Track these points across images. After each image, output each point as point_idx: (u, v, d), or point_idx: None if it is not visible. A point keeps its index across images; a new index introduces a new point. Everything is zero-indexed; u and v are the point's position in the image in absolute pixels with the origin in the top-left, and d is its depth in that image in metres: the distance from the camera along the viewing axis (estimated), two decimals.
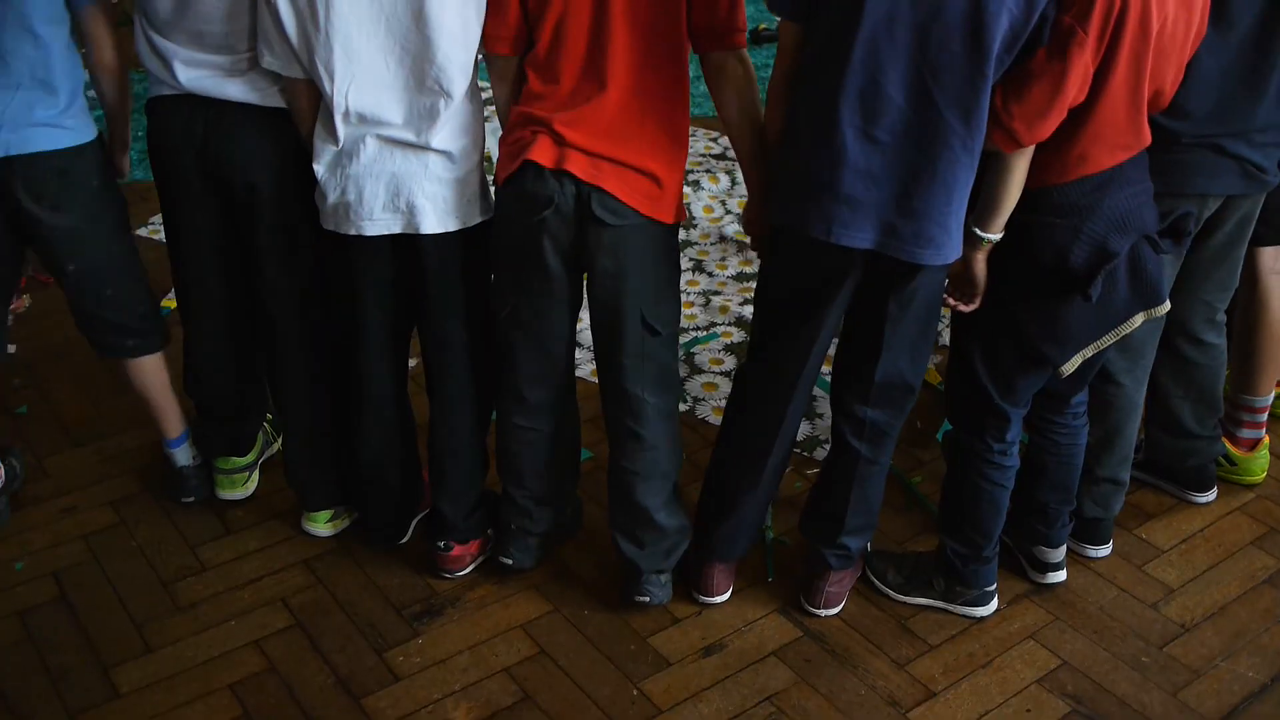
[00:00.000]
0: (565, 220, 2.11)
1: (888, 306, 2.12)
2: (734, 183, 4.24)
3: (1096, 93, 1.97)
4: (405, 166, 2.17)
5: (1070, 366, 2.16)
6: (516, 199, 2.14)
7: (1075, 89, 1.93)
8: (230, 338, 2.62)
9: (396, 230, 2.20)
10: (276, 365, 2.55)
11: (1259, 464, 2.83)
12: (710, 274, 3.73)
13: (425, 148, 2.16)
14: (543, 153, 2.08)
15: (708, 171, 4.34)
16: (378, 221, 2.20)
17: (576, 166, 2.07)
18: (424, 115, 2.14)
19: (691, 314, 3.53)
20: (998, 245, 2.12)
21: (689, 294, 3.61)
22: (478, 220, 2.25)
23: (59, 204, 2.39)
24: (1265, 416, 2.82)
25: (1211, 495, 2.80)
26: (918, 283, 2.09)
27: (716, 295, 3.62)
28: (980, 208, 2.07)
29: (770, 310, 2.24)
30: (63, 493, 2.81)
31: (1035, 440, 2.44)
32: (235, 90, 2.27)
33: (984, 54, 1.87)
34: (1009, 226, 2.10)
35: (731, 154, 4.34)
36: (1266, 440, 2.84)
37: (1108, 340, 2.16)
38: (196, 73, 2.27)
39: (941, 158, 1.95)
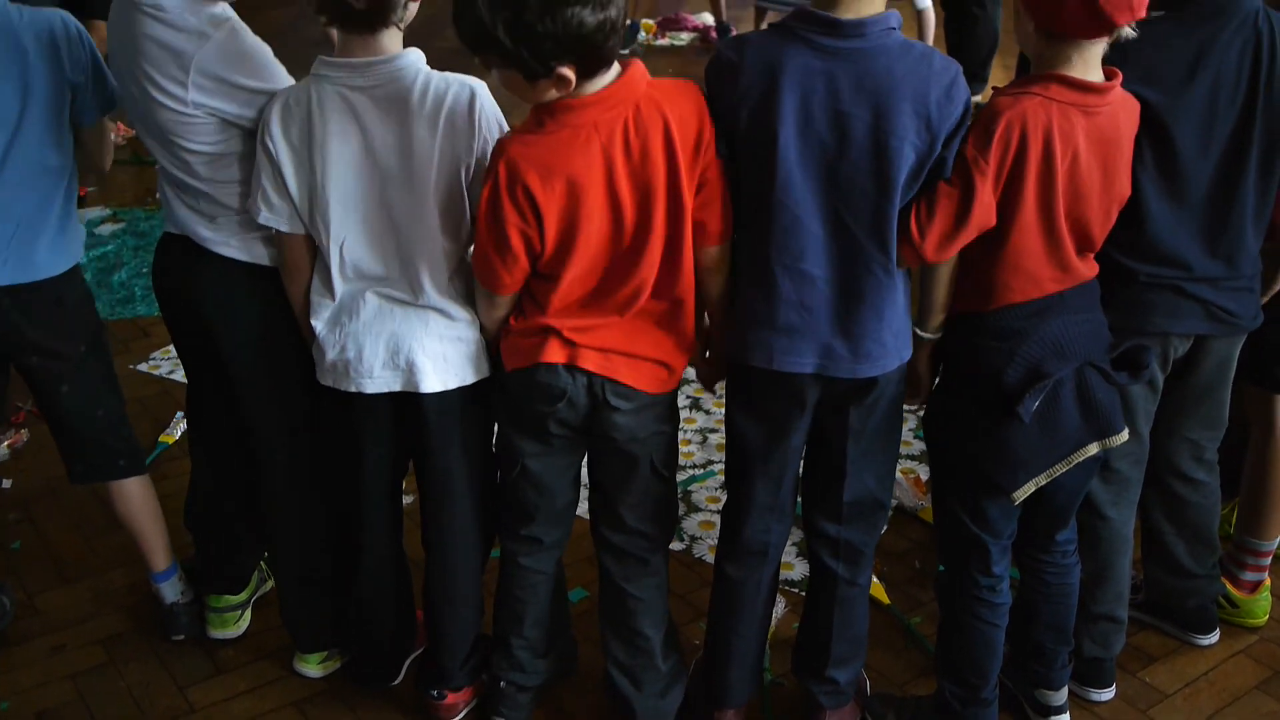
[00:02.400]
0: (578, 408, 2.14)
1: (849, 422, 2.17)
2: None
3: (1007, 223, 2.07)
4: (405, 324, 2.18)
5: (1022, 493, 2.17)
6: (527, 387, 2.15)
7: (980, 215, 2.04)
8: (228, 473, 2.61)
9: (396, 388, 2.21)
10: (267, 504, 2.54)
11: (1261, 606, 2.80)
12: (707, 411, 3.75)
13: (425, 307, 2.17)
14: (554, 353, 2.10)
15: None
16: (377, 379, 2.20)
17: (589, 362, 2.10)
18: (420, 274, 2.15)
19: (688, 451, 3.53)
20: (951, 369, 2.22)
21: (685, 431, 3.62)
22: (479, 378, 2.25)
23: (56, 328, 2.43)
24: (1269, 560, 2.80)
25: (1214, 637, 2.76)
26: (876, 394, 2.14)
27: (714, 433, 3.63)
28: (918, 309, 2.18)
29: (739, 450, 2.27)
30: (52, 630, 2.77)
31: (1026, 579, 2.43)
32: (215, 240, 2.31)
33: (890, 185, 1.98)
34: (958, 350, 2.20)
35: None
36: (1268, 582, 2.81)
37: (1060, 469, 2.17)
38: (184, 215, 2.33)
39: (866, 283, 2.06)
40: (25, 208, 2.35)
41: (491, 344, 2.24)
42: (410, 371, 2.19)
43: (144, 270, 4.47)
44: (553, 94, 1.91)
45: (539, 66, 1.87)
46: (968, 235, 2.05)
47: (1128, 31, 2.02)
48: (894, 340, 2.12)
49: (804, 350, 2.09)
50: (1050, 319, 2.13)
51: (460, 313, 2.20)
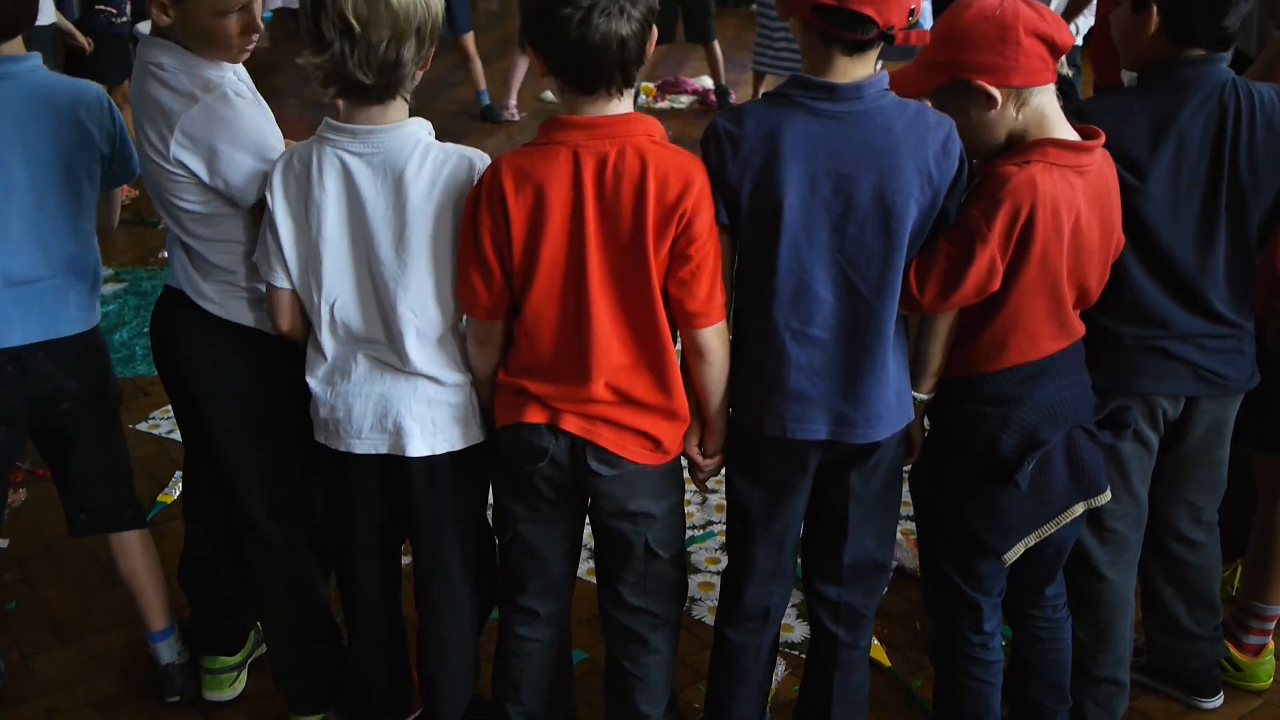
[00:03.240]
0: (562, 468, 2.13)
1: (850, 484, 2.17)
2: None
3: (1009, 285, 2.08)
4: (394, 388, 2.18)
5: (1013, 555, 2.18)
6: (514, 444, 2.15)
7: (980, 278, 2.05)
8: (223, 534, 2.60)
9: (383, 450, 2.20)
10: (260, 564, 2.52)
11: (1265, 670, 2.78)
12: None
13: (413, 373, 2.17)
14: (535, 414, 2.10)
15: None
16: (366, 440, 2.20)
17: (570, 425, 2.09)
18: (405, 342, 2.14)
19: (688, 512, 3.50)
20: (940, 432, 2.22)
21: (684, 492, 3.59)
22: (469, 443, 2.23)
23: (85, 377, 2.50)
24: (1274, 624, 2.79)
25: (1218, 701, 2.74)
26: (877, 457, 2.14)
27: (713, 494, 3.61)
28: (912, 368, 2.17)
29: (741, 515, 2.26)
30: (46, 692, 2.75)
31: (1019, 637, 2.42)
32: (205, 298, 2.33)
33: (898, 243, 2.00)
34: (948, 414, 2.20)
35: None
36: (1271, 645, 2.80)
37: (1048, 529, 2.18)
38: (180, 270, 2.36)
39: (876, 344, 2.06)
40: (57, 265, 2.43)
41: (486, 402, 2.23)
42: (397, 435, 2.18)
43: (145, 330, 4.46)
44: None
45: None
46: (964, 295, 2.07)
47: (1065, 69, 2.06)
48: (897, 401, 2.12)
49: (816, 417, 2.09)
50: (1043, 384, 2.15)
51: (451, 376, 2.19)
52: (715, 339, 2.09)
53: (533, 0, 1.98)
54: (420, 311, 2.13)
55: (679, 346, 2.13)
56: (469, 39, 7.35)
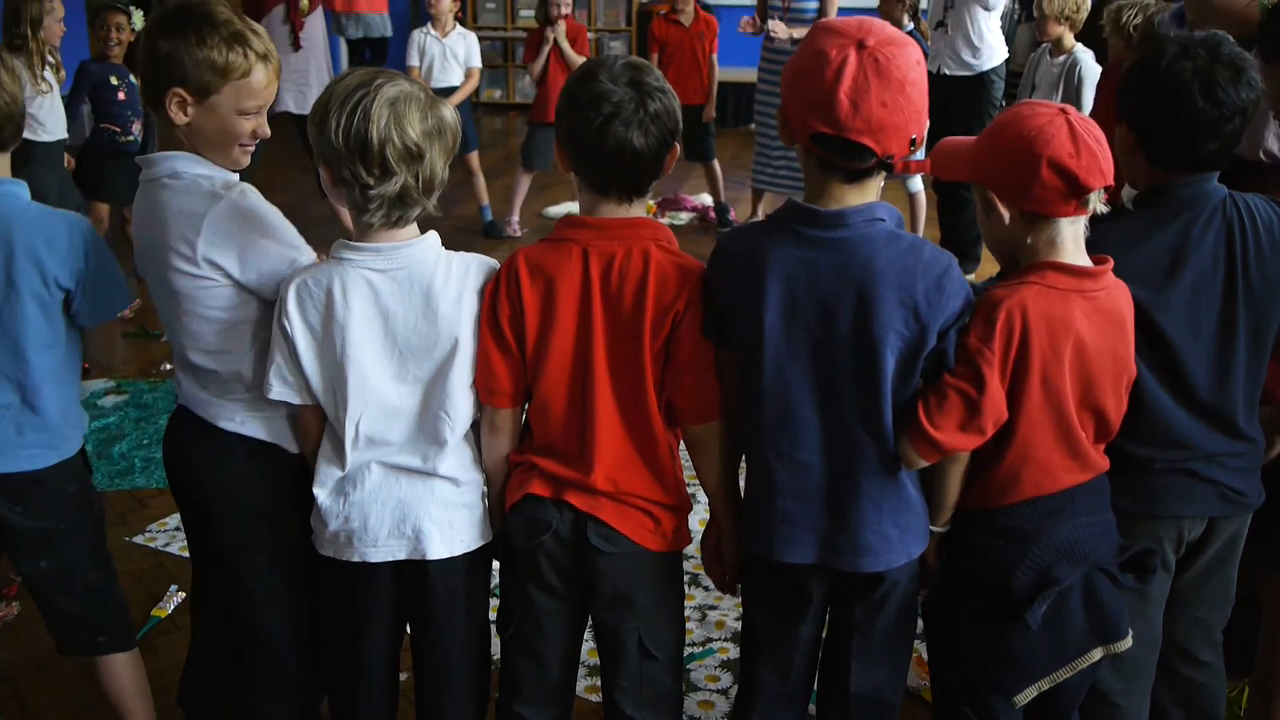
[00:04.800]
0: (564, 544, 2.15)
1: (854, 616, 2.15)
2: None
3: (1014, 412, 2.06)
4: (411, 492, 2.19)
5: (1024, 697, 2.14)
6: (518, 522, 2.18)
7: (995, 405, 2.02)
8: (222, 646, 2.56)
9: (401, 556, 2.20)
10: (268, 692, 2.49)
11: None
12: (706, 588, 3.70)
13: (432, 474, 2.19)
14: (540, 487, 2.15)
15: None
16: (382, 548, 2.20)
17: (574, 498, 2.13)
18: (432, 442, 2.18)
19: (687, 629, 3.47)
20: (955, 566, 2.18)
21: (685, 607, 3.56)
22: (482, 543, 2.25)
23: (33, 509, 2.43)
24: None
25: None
26: (884, 590, 2.11)
27: (713, 610, 3.58)
28: (927, 501, 2.15)
29: (749, 634, 2.26)
30: None
31: None
32: (219, 414, 2.33)
33: (878, 374, 1.99)
34: (962, 547, 2.16)
35: None
36: None
37: (1063, 674, 2.14)
38: (191, 391, 2.36)
39: (862, 473, 2.05)
40: (5, 399, 2.36)
41: (495, 499, 2.25)
42: (416, 539, 2.19)
43: (144, 442, 4.48)
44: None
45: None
46: (983, 427, 2.03)
47: (1100, 206, 2.07)
48: (900, 535, 2.09)
49: (803, 540, 2.08)
50: (1062, 521, 2.11)
51: (467, 475, 2.22)
52: (706, 434, 2.17)
53: (564, 100, 2.08)
54: (455, 405, 2.16)
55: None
56: (474, 156, 7.47)
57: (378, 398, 2.17)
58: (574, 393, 2.14)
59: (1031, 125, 2.03)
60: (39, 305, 2.33)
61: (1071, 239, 2.09)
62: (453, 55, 7.23)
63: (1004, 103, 6.85)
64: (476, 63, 7.36)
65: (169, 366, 2.42)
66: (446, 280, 2.13)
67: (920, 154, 2.02)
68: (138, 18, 5.81)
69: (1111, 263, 2.11)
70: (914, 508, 2.12)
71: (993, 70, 6.44)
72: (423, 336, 2.14)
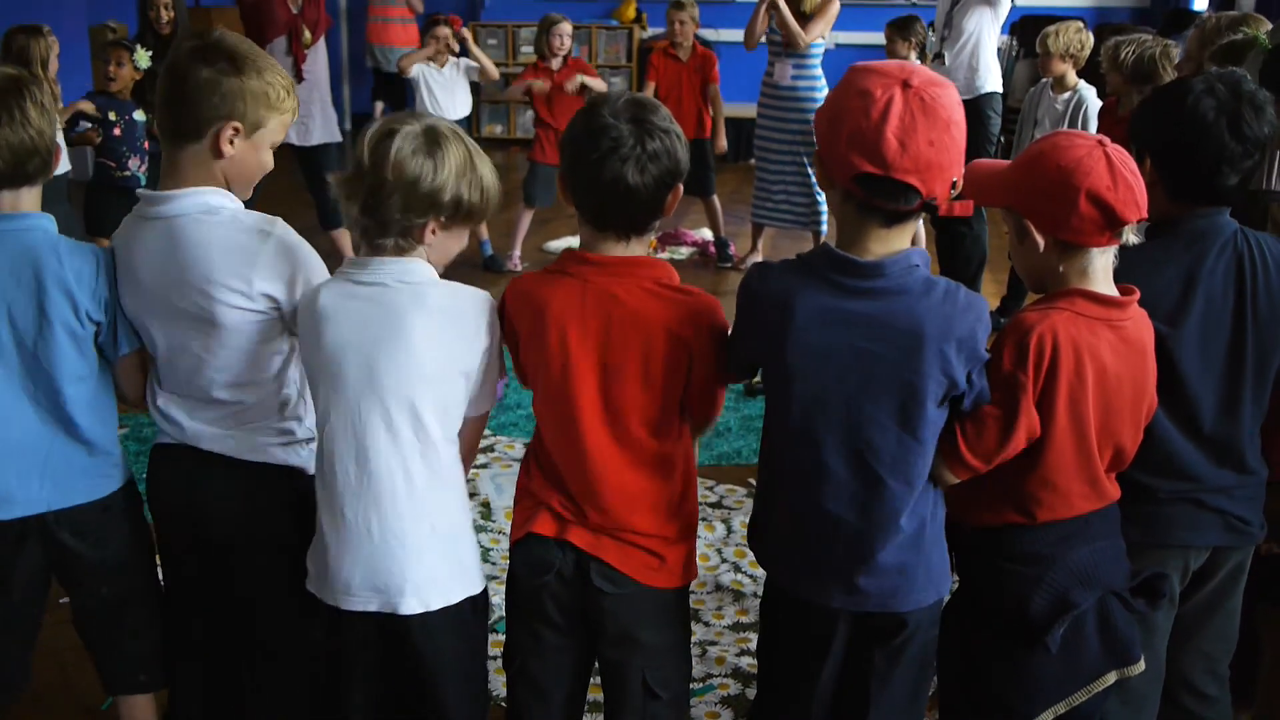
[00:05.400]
0: (568, 584, 2.13)
1: (874, 662, 2.12)
2: (729, 530, 4.26)
3: (1041, 438, 2.06)
4: (382, 538, 2.13)
5: None
6: (523, 562, 2.16)
7: (1029, 423, 2.03)
8: (218, 694, 2.53)
9: (373, 608, 2.15)
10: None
11: None
12: (706, 624, 3.69)
13: (403, 515, 2.13)
14: (544, 525, 2.13)
15: (703, 520, 4.36)
16: (355, 598, 2.15)
17: (577, 538, 2.11)
18: (415, 477, 2.13)
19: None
20: (968, 589, 2.18)
21: None
22: (465, 596, 2.19)
23: (104, 539, 2.43)
24: None
25: None
26: (905, 635, 2.09)
27: (713, 645, 3.56)
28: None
29: (766, 672, 2.24)
30: None
31: None
32: (231, 445, 2.32)
33: (917, 423, 1.98)
34: (978, 570, 2.15)
35: (728, 502, 4.39)
36: None
37: (1079, 697, 2.13)
38: (198, 428, 2.33)
39: (891, 520, 2.02)
40: (53, 432, 2.35)
41: None
42: (387, 591, 2.14)
43: (144, 475, 4.46)
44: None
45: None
46: (1017, 445, 2.05)
47: (1131, 237, 2.08)
48: (925, 575, 2.08)
49: (827, 583, 2.07)
50: (1078, 546, 2.11)
51: (447, 527, 2.17)
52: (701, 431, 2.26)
53: (567, 133, 2.09)
54: (427, 439, 2.12)
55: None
56: None
57: (360, 420, 2.14)
58: (568, 426, 2.11)
59: (1071, 156, 2.04)
60: (71, 338, 2.32)
61: (1102, 268, 2.10)
62: (451, 86, 7.28)
63: (1001, 138, 6.89)
64: (474, 77, 7.45)
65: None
66: (425, 305, 2.10)
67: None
68: (142, 56, 5.85)
69: (1137, 294, 2.12)
70: (940, 548, 2.11)
71: (989, 97, 6.46)
72: (399, 356, 2.09)
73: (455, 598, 2.18)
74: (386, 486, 2.11)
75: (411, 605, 2.13)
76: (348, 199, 2.10)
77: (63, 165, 5.43)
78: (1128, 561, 2.20)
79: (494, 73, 7.23)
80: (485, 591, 2.24)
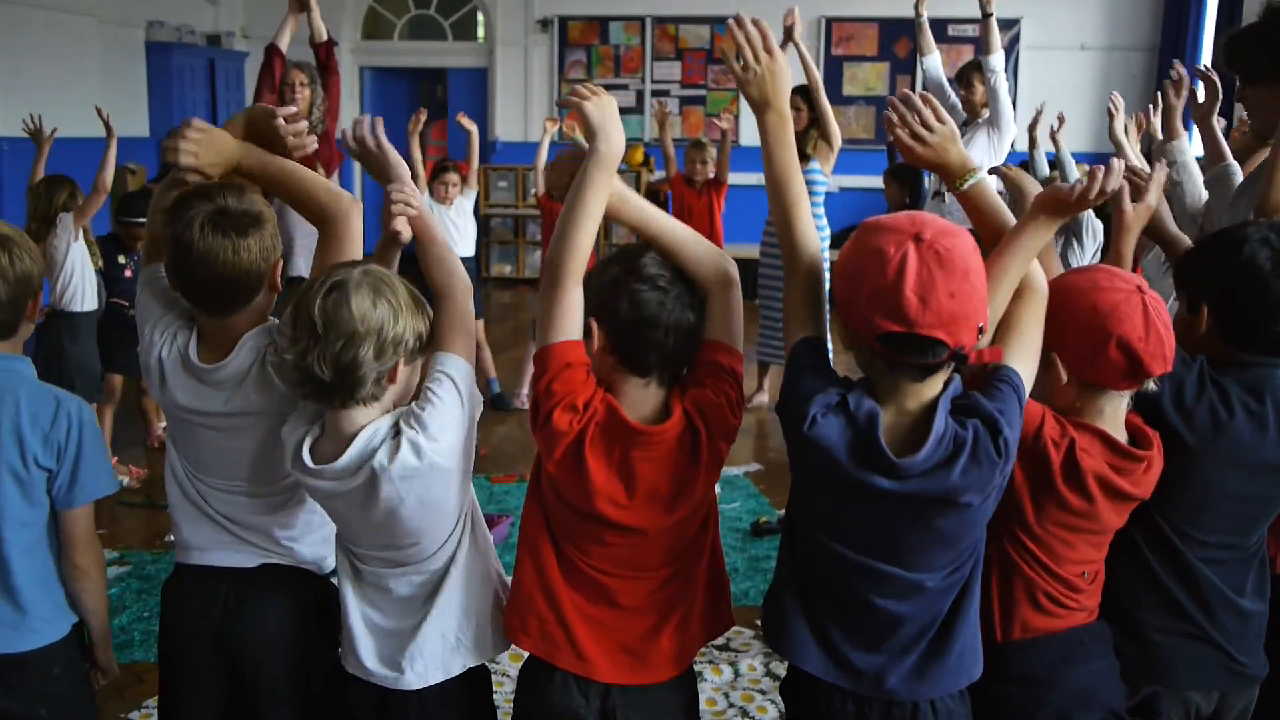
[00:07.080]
0: (592, 713, 2.13)
1: None
2: (736, 674, 4.18)
3: (1033, 518, 2.11)
4: (391, 611, 2.17)
5: None
6: (539, 700, 2.15)
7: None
8: None
9: (374, 680, 2.16)
10: None
11: None
12: (704, 679, 3.61)
13: (413, 596, 2.17)
14: (566, 659, 2.12)
15: (710, 663, 4.29)
16: (357, 662, 2.18)
17: (601, 674, 2.12)
18: (407, 582, 2.16)
19: None
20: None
21: None
22: (464, 668, 2.19)
23: (15, 693, 2.37)
24: None
25: None
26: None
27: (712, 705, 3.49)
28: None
29: None
30: None
31: None
32: (279, 550, 2.35)
33: (965, 554, 2.00)
34: (976, 698, 2.08)
35: (735, 644, 4.31)
36: None
37: None
38: (252, 543, 2.35)
39: (934, 619, 2.02)
40: None
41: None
42: (390, 665, 2.15)
43: (145, 615, 4.42)
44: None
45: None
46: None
47: (1151, 385, 2.10)
48: (957, 661, 2.03)
49: (866, 672, 2.02)
50: (1076, 667, 2.10)
51: (449, 604, 2.16)
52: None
53: (605, 274, 2.12)
54: (422, 555, 2.15)
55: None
56: (479, 327, 7.57)
57: (366, 541, 2.18)
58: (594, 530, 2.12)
59: (1108, 300, 2.06)
60: (16, 482, 2.31)
61: (1114, 411, 2.13)
62: (457, 223, 7.39)
63: None
64: (472, 183, 7.46)
65: (172, 539, 2.39)
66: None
67: (986, 340, 2.01)
68: None
69: (1159, 444, 2.13)
70: (976, 634, 2.06)
71: None
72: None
73: (456, 669, 2.18)
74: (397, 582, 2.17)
75: (409, 681, 2.16)
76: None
77: (90, 302, 5.67)
78: (1123, 683, 2.18)
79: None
80: (484, 670, 2.25)
